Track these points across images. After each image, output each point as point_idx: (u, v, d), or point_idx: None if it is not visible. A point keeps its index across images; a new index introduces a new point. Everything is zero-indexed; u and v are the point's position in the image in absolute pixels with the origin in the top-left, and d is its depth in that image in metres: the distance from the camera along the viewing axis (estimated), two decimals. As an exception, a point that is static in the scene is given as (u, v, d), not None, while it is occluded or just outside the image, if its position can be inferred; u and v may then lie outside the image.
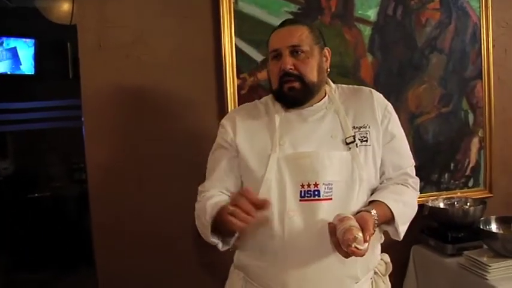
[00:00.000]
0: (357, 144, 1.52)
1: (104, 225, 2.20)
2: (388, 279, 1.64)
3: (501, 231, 2.14)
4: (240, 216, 1.29)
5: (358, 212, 1.44)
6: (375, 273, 1.60)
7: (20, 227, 4.68)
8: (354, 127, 1.55)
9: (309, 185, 1.47)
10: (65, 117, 5.14)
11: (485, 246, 2.12)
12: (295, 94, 1.53)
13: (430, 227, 2.35)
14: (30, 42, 5.41)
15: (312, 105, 1.57)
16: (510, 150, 2.61)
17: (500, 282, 1.92)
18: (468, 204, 2.35)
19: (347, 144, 1.52)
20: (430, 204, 2.31)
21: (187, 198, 2.15)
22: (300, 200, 1.46)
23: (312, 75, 1.53)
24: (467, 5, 2.48)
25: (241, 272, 1.60)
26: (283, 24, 1.59)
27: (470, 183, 2.54)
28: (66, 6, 4.24)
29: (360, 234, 1.27)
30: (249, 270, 1.57)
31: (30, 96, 5.30)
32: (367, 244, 1.28)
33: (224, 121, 1.68)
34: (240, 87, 2.23)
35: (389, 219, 1.48)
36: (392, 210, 1.46)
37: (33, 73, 5.46)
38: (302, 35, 1.52)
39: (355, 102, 1.60)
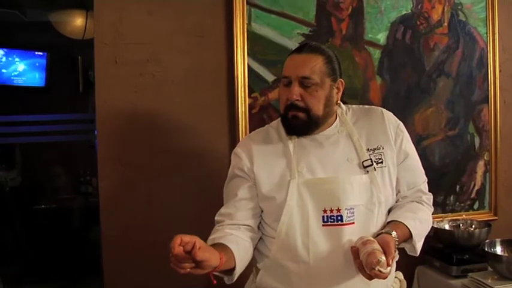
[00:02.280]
0: (374, 168, 1.54)
1: (113, 237, 2.23)
2: None
3: (506, 254, 2.17)
4: (178, 266, 1.31)
5: (378, 234, 1.48)
6: None
7: (25, 238, 4.71)
8: (368, 149, 1.57)
9: (331, 210, 1.49)
10: (74, 130, 5.18)
11: (490, 269, 2.15)
12: (298, 124, 1.54)
13: (435, 248, 2.37)
14: (42, 55, 5.49)
15: (324, 130, 1.59)
16: (515, 174, 2.65)
17: (504, 304, 1.95)
18: (473, 226, 2.38)
19: (364, 167, 1.54)
20: (436, 226, 2.34)
21: (196, 212, 2.22)
22: (323, 225, 1.49)
23: (318, 109, 1.53)
24: (475, 31, 2.53)
25: None
26: (302, 49, 1.55)
27: (476, 206, 2.57)
28: (79, 21, 4.34)
29: (383, 257, 1.31)
30: None
31: (40, 109, 5.36)
32: (389, 268, 1.32)
33: (239, 149, 1.65)
34: (251, 106, 2.28)
35: (407, 237, 1.52)
36: (411, 229, 1.51)
37: (44, 86, 5.54)
38: (315, 66, 1.51)
39: (367, 123, 1.62)
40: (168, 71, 2.25)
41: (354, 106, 1.69)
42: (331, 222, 1.49)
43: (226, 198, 1.64)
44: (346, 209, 1.49)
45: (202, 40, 2.27)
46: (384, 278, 1.33)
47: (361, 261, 1.35)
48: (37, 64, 5.53)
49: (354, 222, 1.50)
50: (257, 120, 2.24)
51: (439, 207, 2.51)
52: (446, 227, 2.38)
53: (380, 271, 1.29)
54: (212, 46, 2.28)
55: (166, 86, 2.24)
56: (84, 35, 4.47)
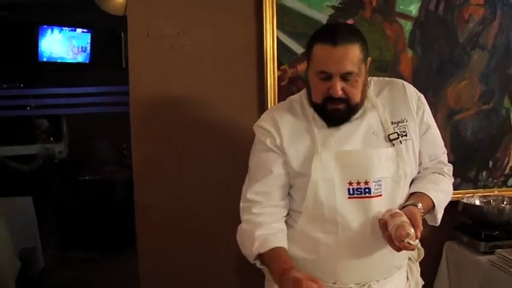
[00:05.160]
0: (400, 141, 1.55)
1: (146, 208, 2.32)
2: (418, 265, 1.73)
3: (536, 231, 2.12)
4: None
5: (404, 206, 1.51)
6: (409, 259, 1.69)
7: (70, 208, 4.94)
8: (392, 122, 1.58)
9: (358, 183, 1.51)
10: (116, 102, 5.33)
11: (519, 246, 2.11)
12: (339, 115, 1.53)
13: (465, 224, 2.35)
14: (86, 32, 5.66)
15: None
16: (552, 150, 2.56)
17: (531, 281, 1.92)
18: (505, 203, 2.33)
19: (390, 140, 1.55)
20: (465, 201, 2.31)
21: (224, 184, 2.28)
22: (349, 198, 1.52)
23: (357, 97, 1.52)
24: (514, 1, 2.44)
25: None
26: (335, 39, 1.45)
27: (510, 182, 2.50)
28: (120, -2, 4.41)
29: (412, 230, 1.35)
30: (298, 262, 1.56)
31: (85, 82, 5.54)
32: (417, 240, 1.37)
33: (266, 124, 1.63)
34: (280, 79, 2.29)
35: (430, 208, 1.56)
36: (434, 201, 1.55)
37: (88, 62, 5.71)
38: (355, 58, 1.46)
39: (390, 96, 1.63)
40: (198, 44, 2.29)
41: (374, 78, 1.67)
42: (357, 194, 1.51)
43: (258, 173, 1.61)
44: (374, 181, 1.51)
45: (232, 13, 2.29)
46: (412, 250, 1.39)
47: (390, 234, 1.39)
48: (81, 41, 5.71)
49: (381, 195, 1.52)
50: (286, 93, 2.23)
51: (470, 182, 2.46)
52: (477, 202, 2.34)
53: (409, 243, 1.34)
54: (241, 19, 2.30)
55: (196, 59, 2.29)
56: (125, 11, 4.56)
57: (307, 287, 1.29)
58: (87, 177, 4.98)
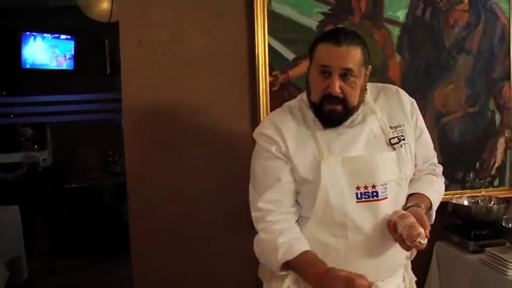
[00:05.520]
0: (401, 145, 1.61)
1: (141, 212, 2.33)
2: (410, 262, 1.80)
3: (523, 229, 2.18)
4: None
5: (407, 207, 1.57)
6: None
7: (57, 216, 4.89)
8: (391, 127, 1.63)
9: (365, 187, 1.55)
10: (102, 110, 5.31)
11: (507, 244, 2.17)
12: (334, 117, 1.56)
13: (454, 224, 2.40)
14: (70, 39, 5.62)
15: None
16: (536, 151, 2.63)
17: (520, 278, 1.98)
18: (492, 202, 2.39)
19: (391, 144, 1.61)
20: (454, 202, 2.36)
21: (219, 188, 2.30)
22: (357, 202, 1.55)
23: (355, 99, 1.55)
24: (496, 7, 2.51)
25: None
26: (339, 39, 1.50)
27: (496, 183, 2.58)
28: (105, 5, 4.40)
29: (422, 229, 1.40)
30: None
31: (70, 90, 5.50)
32: (427, 239, 1.41)
33: (268, 131, 1.63)
34: (271, 84, 2.33)
35: (429, 208, 1.62)
36: (431, 201, 1.62)
37: (72, 69, 5.67)
38: (356, 58, 1.50)
39: (386, 101, 1.68)
40: (190, 50, 2.31)
41: (369, 84, 1.70)
42: (365, 198, 1.55)
43: (267, 181, 1.60)
44: (380, 185, 1.56)
45: (223, 20, 2.33)
46: (423, 248, 1.42)
47: (400, 235, 1.43)
48: (65, 48, 5.66)
49: (387, 197, 1.57)
50: (278, 98, 2.28)
51: (459, 183, 2.53)
52: (465, 202, 2.40)
53: (420, 242, 1.39)
54: (233, 26, 2.33)
55: (189, 66, 2.31)
56: (110, 18, 4.55)
57: (359, 284, 1.32)
58: (73, 185, 4.94)
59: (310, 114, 1.62)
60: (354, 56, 1.50)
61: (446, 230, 2.43)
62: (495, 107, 2.55)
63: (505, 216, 2.23)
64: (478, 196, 2.43)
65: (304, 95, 1.68)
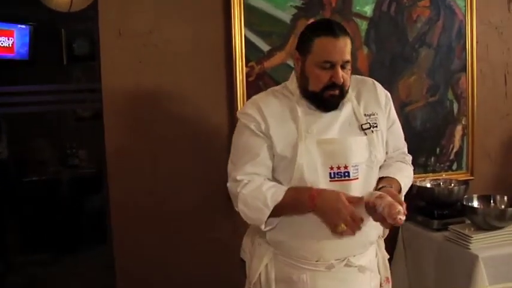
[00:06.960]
0: (372, 131, 1.74)
1: (121, 202, 2.38)
2: (383, 241, 1.92)
3: (482, 207, 2.39)
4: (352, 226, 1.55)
5: (379, 189, 1.68)
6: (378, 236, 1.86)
7: (16, 210, 4.78)
8: (365, 114, 1.76)
9: (338, 167, 1.67)
10: (60, 101, 5.18)
11: (467, 221, 2.37)
12: (335, 101, 1.69)
13: (418, 205, 2.58)
14: (25, 28, 5.45)
15: None
16: (490, 137, 2.86)
17: (480, 251, 2.18)
18: (452, 184, 2.59)
19: (363, 130, 1.73)
20: (418, 184, 2.54)
21: (197, 175, 2.38)
22: (330, 181, 1.67)
23: (349, 83, 1.70)
24: (454, 4, 2.70)
25: (271, 247, 1.76)
26: (334, 31, 1.63)
27: (454, 167, 2.79)
28: (65, -6, 4.33)
29: (400, 207, 1.51)
30: (283, 245, 1.73)
31: (25, 80, 5.34)
32: (405, 215, 1.53)
33: (249, 110, 1.74)
34: (248, 75, 2.43)
35: (398, 190, 1.74)
36: (401, 184, 1.75)
37: (27, 59, 5.51)
38: (349, 48, 1.66)
39: (363, 92, 1.81)
40: (169, 42, 2.37)
41: None
42: (338, 177, 1.67)
43: (245, 156, 1.71)
44: (352, 166, 1.68)
45: (202, 12, 2.40)
46: (401, 224, 1.55)
47: (380, 214, 1.54)
48: (20, 37, 5.49)
49: (358, 178, 1.69)
50: (254, 88, 2.39)
51: (421, 168, 2.72)
52: (428, 185, 2.59)
53: (400, 219, 1.50)
54: (210, 18, 2.41)
55: (168, 56, 2.37)
56: (70, 8, 4.48)
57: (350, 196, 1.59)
58: (33, 178, 4.84)
59: (294, 99, 1.74)
60: (349, 46, 1.65)
61: (410, 211, 2.59)
62: (453, 97, 2.75)
63: (465, 196, 2.43)
64: (439, 179, 2.63)
65: (289, 83, 1.79)
